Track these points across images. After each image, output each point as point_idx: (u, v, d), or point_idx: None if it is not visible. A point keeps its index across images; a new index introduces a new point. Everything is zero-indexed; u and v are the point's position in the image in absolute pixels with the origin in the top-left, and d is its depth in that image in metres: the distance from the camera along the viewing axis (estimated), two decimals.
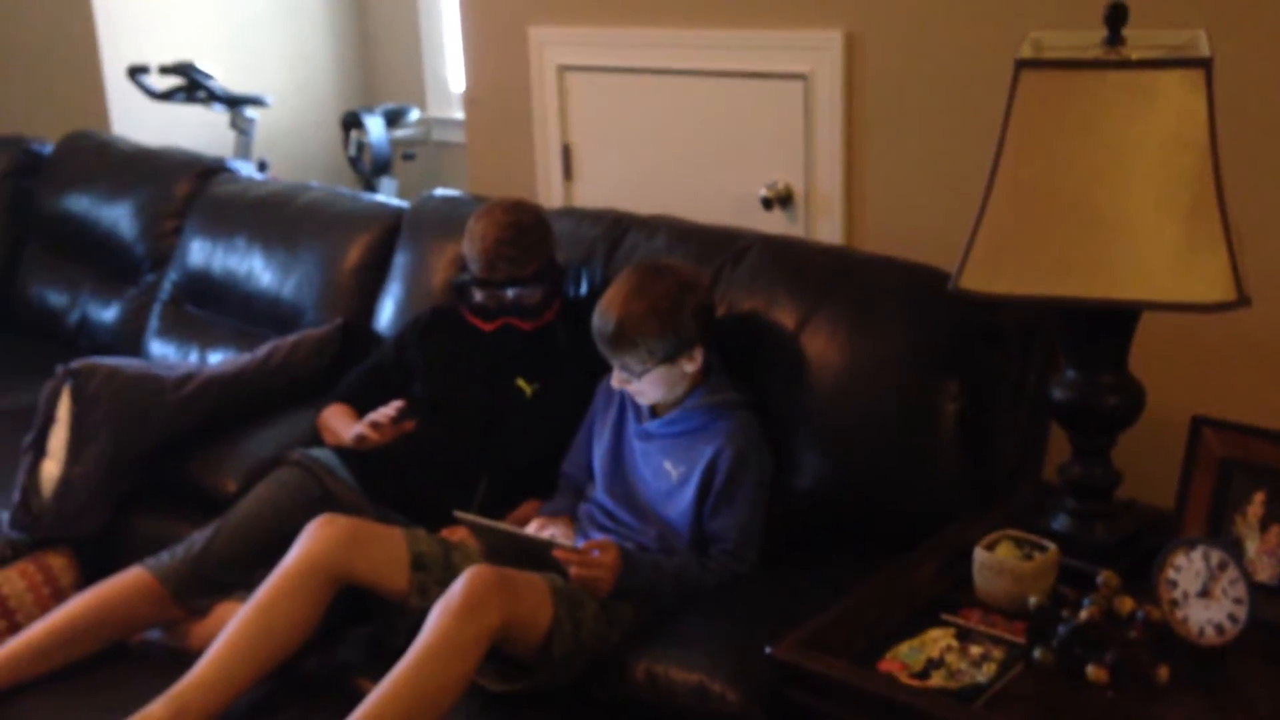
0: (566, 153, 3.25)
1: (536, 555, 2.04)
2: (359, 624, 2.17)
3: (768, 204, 2.87)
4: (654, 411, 2.21)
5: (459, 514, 2.12)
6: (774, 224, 2.82)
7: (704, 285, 2.23)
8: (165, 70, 4.05)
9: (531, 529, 2.23)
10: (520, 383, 2.43)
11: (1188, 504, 1.78)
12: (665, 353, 2.09)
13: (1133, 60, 1.66)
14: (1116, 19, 1.71)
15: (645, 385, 2.14)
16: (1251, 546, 1.71)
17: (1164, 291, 1.65)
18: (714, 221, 2.58)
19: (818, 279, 2.27)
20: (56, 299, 3.59)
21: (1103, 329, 1.77)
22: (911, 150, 2.65)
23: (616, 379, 2.16)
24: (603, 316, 2.12)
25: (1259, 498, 1.72)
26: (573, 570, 1.98)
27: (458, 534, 2.23)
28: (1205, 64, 1.61)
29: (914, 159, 2.65)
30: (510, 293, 2.39)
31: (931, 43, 2.57)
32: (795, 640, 1.70)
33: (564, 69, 3.20)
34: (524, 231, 2.40)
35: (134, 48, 4.19)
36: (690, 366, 2.13)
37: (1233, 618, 1.60)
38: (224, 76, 4.21)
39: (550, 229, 2.47)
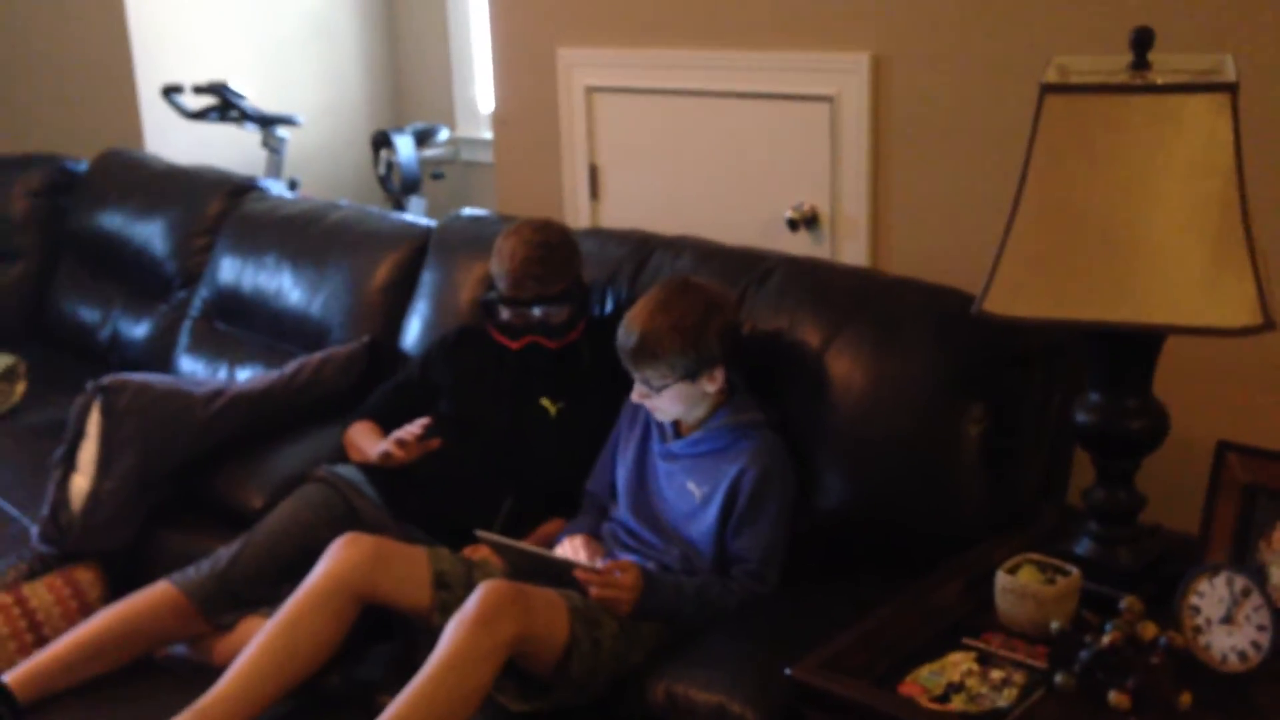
0: (594, 173, 3.27)
1: (558, 575, 2.05)
2: (382, 642, 2.18)
3: (793, 225, 2.87)
4: (678, 431, 2.22)
5: (481, 533, 2.13)
6: (799, 245, 2.83)
7: (731, 306, 2.24)
8: (199, 90, 4.11)
9: (558, 548, 2.23)
10: (545, 402, 2.45)
11: (1211, 529, 1.77)
12: (685, 370, 2.10)
13: (1158, 85, 1.66)
14: (1142, 43, 1.71)
15: (664, 401, 2.15)
16: (1275, 573, 1.69)
17: (1189, 316, 1.64)
18: (740, 243, 2.59)
19: (842, 300, 2.27)
20: (89, 315, 3.63)
21: (1127, 353, 1.76)
22: (938, 173, 2.65)
23: (637, 393, 2.17)
24: (626, 329, 2.13)
25: None
26: (593, 591, 1.98)
27: (480, 552, 2.24)
28: (1231, 88, 1.61)
29: (940, 182, 2.65)
30: (537, 311, 2.40)
31: (958, 66, 2.57)
32: (815, 661, 1.70)
33: (592, 90, 3.22)
34: (552, 250, 2.42)
35: (168, 67, 4.25)
36: (711, 386, 2.13)
37: (1256, 645, 1.58)
38: (256, 96, 4.26)
39: (577, 249, 2.49)
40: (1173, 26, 1.80)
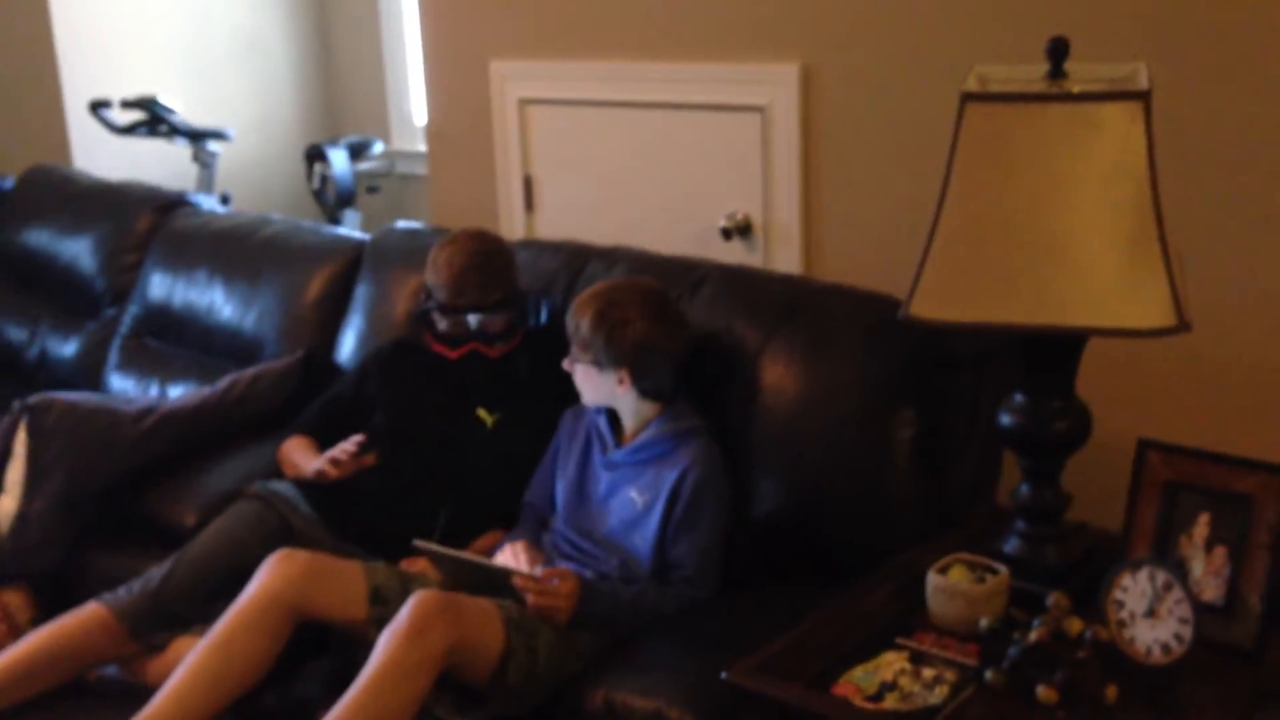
0: (528, 184, 3.28)
1: (496, 584, 2.05)
2: (318, 658, 2.17)
3: (727, 234, 2.90)
4: (619, 441, 2.23)
5: (418, 543, 2.12)
6: (733, 254, 2.85)
7: (674, 334, 2.21)
8: (127, 104, 4.05)
9: (497, 555, 2.23)
10: (481, 413, 2.45)
11: (1134, 526, 1.80)
12: (592, 354, 2.18)
13: (1074, 93, 1.69)
14: (1059, 53, 1.75)
15: (578, 375, 2.23)
16: (1197, 567, 1.73)
17: (1107, 318, 1.68)
18: (674, 252, 2.61)
19: (774, 308, 2.29)
20: (16, 333, 3.57)
21: (1049, 355, 1.80)
22: (867, 181, 2.69)
23: (566, 359, 2.24)
24: (580, 295, 2.25)
25: (1204, 519, 1.75)
26: (530, 599, 1.99)
27: (417, 566, 2.24)
28: (1144, 96, 1.65)
29: (870, 189, 2.69)
30: (475, 319, 2.40)
31: (886, 76, 2.61)
32: (750, 665, 1.71)
33: (525, 102, 3.23)
34: (489, 258, 2.43)
35: (96, 82, 4.19)
36: (619, 388, 2.18)
37: (1179, 637, 1.62)
38: (186, 110, 4.22)
39: (514, 258, 2.51)
40: (1087, 37, 1.84)
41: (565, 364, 2.25)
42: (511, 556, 2.19)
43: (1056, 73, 1.76)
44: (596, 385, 2.20)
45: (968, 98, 1.74)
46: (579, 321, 2.19)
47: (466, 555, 2.14)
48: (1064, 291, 1.69)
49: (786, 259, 2.85)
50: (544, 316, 2.57)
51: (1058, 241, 1.69)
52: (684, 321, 2.26)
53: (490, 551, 2.28)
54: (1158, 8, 2.25)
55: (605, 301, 2.19)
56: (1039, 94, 1.72)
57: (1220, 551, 1.73)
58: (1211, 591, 1.71)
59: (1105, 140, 1.67)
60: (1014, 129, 1.71)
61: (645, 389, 2.19)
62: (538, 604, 1.99)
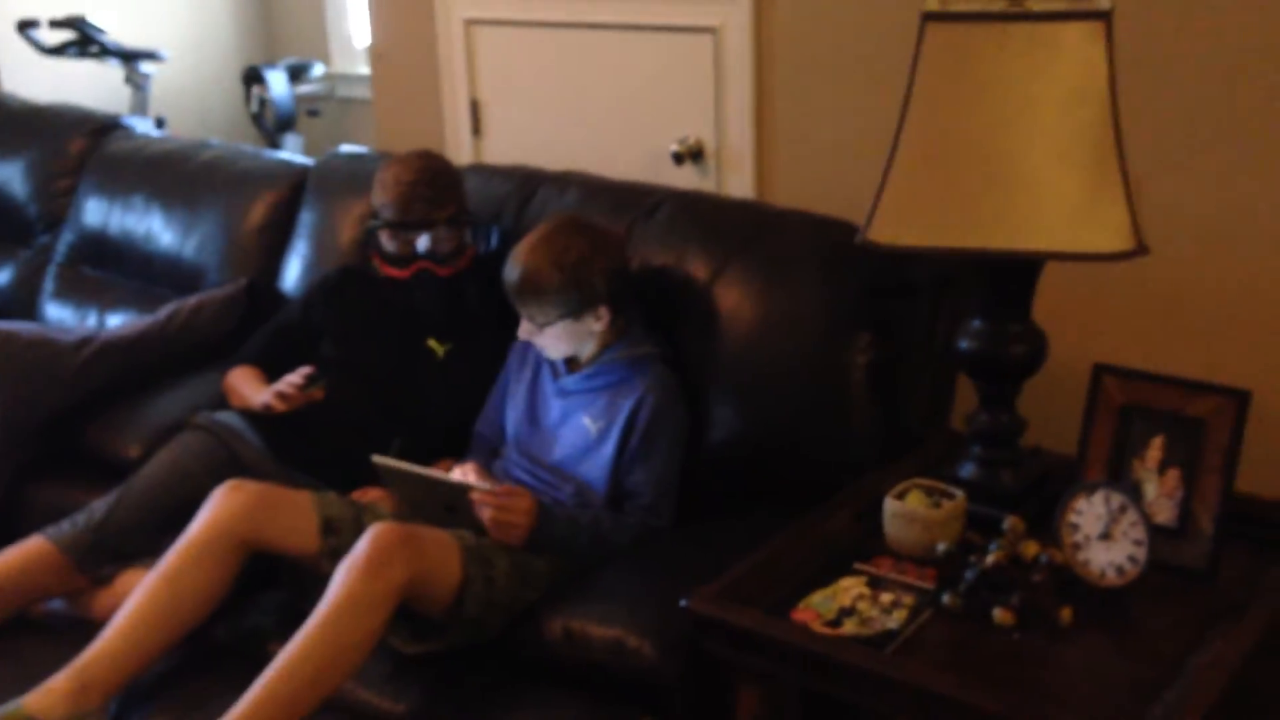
0: (475, 108, 3.21)
1: (453, 500, 2.02)
2: (269, 589, 2.14)
3: (679, 159, 2.86)
4: (570, 367, 2.20)
5: (376, 459, 2.09)
6: (685, 179, 2.81)
7: (619, 244, 2.22)
8: (55, 24, 3.92)
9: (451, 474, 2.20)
10: (432, 343, 2.41)
11: (1089, 449, 1.82)
12: (568, 307, 2.09)
13: (1035, 13, 1.67)
14: None
15: (548, 339, 2.14)
16: (1151, 490, 1.75)
17: (1065, 242, 1.67)
18: (625, 177, 2.57)
19: (730, 233, 2.27)
20: None
21: (1007, 280, 1.80)
22: (821, 104, 2.65)
23: (523, 330, 2.16)
24: (511, 264, 2.13)
25: (1157, 442, 1.76)
26: (487, 513, 1.96)
27: (369, 495, 2.21)
28: (1105, 16, 1.64)
29: (824, 113, 2.66)
30: (424, 240, 2.36)
31: None
32: (710, 593, 1.71)
33: (471, 23, 3.15)
34: (437, 174, 2.40)
35: (23, 1, 4.03)
36: (597, 325, 2.13)
37: (1133, 559, 1.64)
38: (117, 30, 4.07)
39: (461, 176, 2.47)
40: None
41: (522, 334, 2.15)
42: (462, 477, 2.17)
43: None
44: (573, 335, 2.13)
45: (928, 17, 1.72)
46: (537, 283, 2.07)
47: (424, 471, 2.10)
48: (1022, 215, 1.68)
49: (739, 184, 2.82)
50: (494, 242, 2.52)
51: (1017, 165, 1.68)
52: (621, 235, 2.23)
53: None
54: None
55: (553, 250, 2.09)
56: (1000, 13, 1.70)
57: (1173, 474, 1.74)
58: (1164, 514, 1.73)
59: (1066, 61, 1.66)
60: (975, 50, 1.69)
61: (619, 311, 2.15)
62: (495, 519, 1.96)
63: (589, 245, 2.12)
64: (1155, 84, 2.18)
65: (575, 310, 2.10)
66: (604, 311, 2.12)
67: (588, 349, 2.17)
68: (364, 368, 2.41)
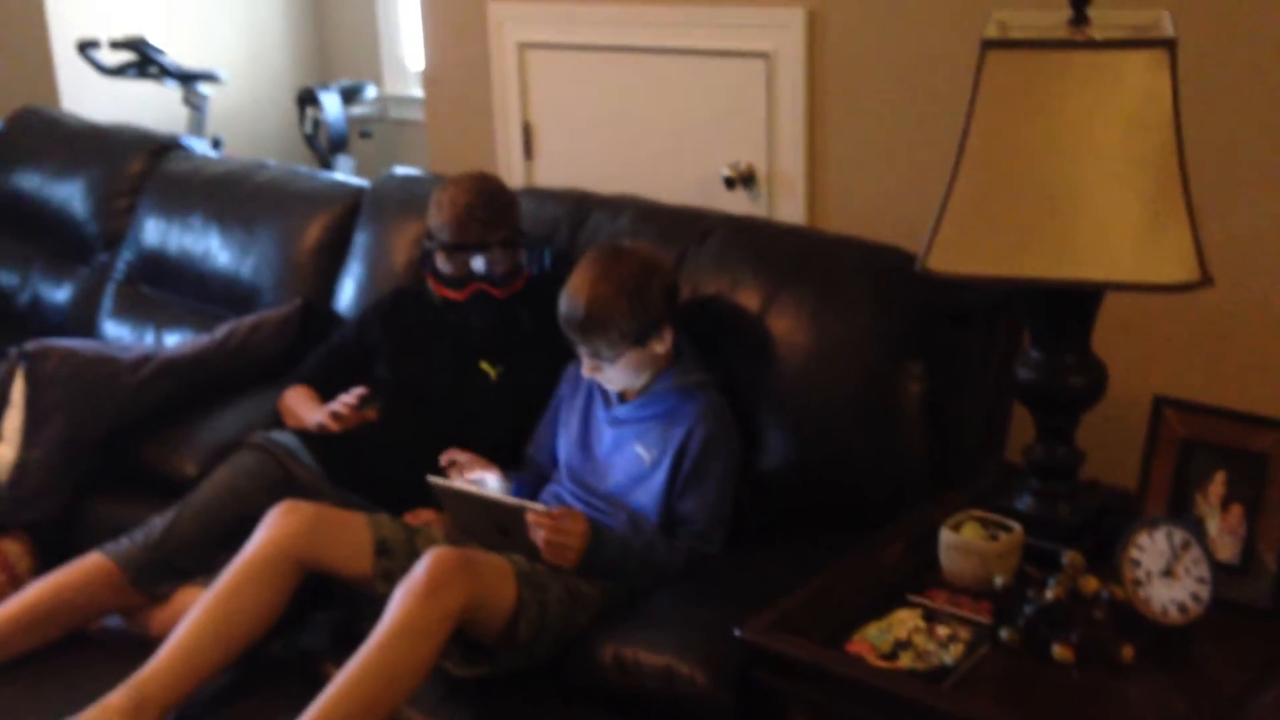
0: (527, 131, 3.23)
1: (506, 523, 2.03)
2: (323, 609, 2.15)
3: (730, 183, 2.86)
4: (622, 396, 2.20)
5: (432, 479, 2.10)
6: (736, 204, 2.82)
7: (667, 265, 2.22)
8: (116, 45, 3.97)
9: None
10: (485, 365, 2.42)
11: (1150, 484, 1.79)
12: (636, 334, 2.08)
13: (1098, 40, 1.66)
14: None
15: (616, 371, 2.12)
16: (1213, 526, 1.72)
17: (1128, 272, 1.65)
18: (676, 201, 2.57)
19: (782, 260, 2.26)
20: (6, 279, 3.52)
21: (1066, 309, 1.78)
22: (874, 130, 2.65)
23: (587, 367, 2.14)
24: (571, 302, 2.10)
25: (1220, 477, 1.74)
26: (541, 535, 1.96)
27: (422, 517, 2.22)
28: (1169, 44, 1.62)
29: (876, 139, 2.65)
30: (479, 261, 2.37)
31: (894, 21, 2.57)
32: (763, 622, 1.70)
33: (524, 46, 3.17)
34: (493, 197, 2.41)
35: (84, 22, 4.11)
36: (660, 348, 2.12)
37: (1195, 597, 1.61)
38: (176, 52, 4.14)
39: (516, 198, 2.48)
40: None
41: (586, 371, 2.14)
42: (484, 480, 2.19)
43: (1079, 19, 1.72)
44: (638, 364, 2.11)
45: (988, 44, 1.70)
46: (605, 317, 2.05)
47: (479, 490, 2.11)
48: (1084, 245, 1.66)
49: (790, 209, 2.81)
50: (547, 262, 2.53)
51: (1078, 193, 1.66)
52: (655, 253, 2.23)
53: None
54: None
55: (614, 282, 2.07)
56: (1061, 41, 1.69)
57: (1236, 510, 1.72)
58: (1227, 550, 1.71)
59: (1128, 89, 1.64)
60: (1035, 77, 1.67)
61: (682, 333, 2.15)
62: (549, 540, 1.96)
63: (641, 269, 2.12)
64: (1219, 112, 2.15)
65: (642, 336, 2.09)
66: (667, 334, 2.12)
67: (645, 377, 2.16)
68: (417, 389, 2.42)
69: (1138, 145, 1.65)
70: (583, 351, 2.12)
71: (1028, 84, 1.68)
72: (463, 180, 2.43)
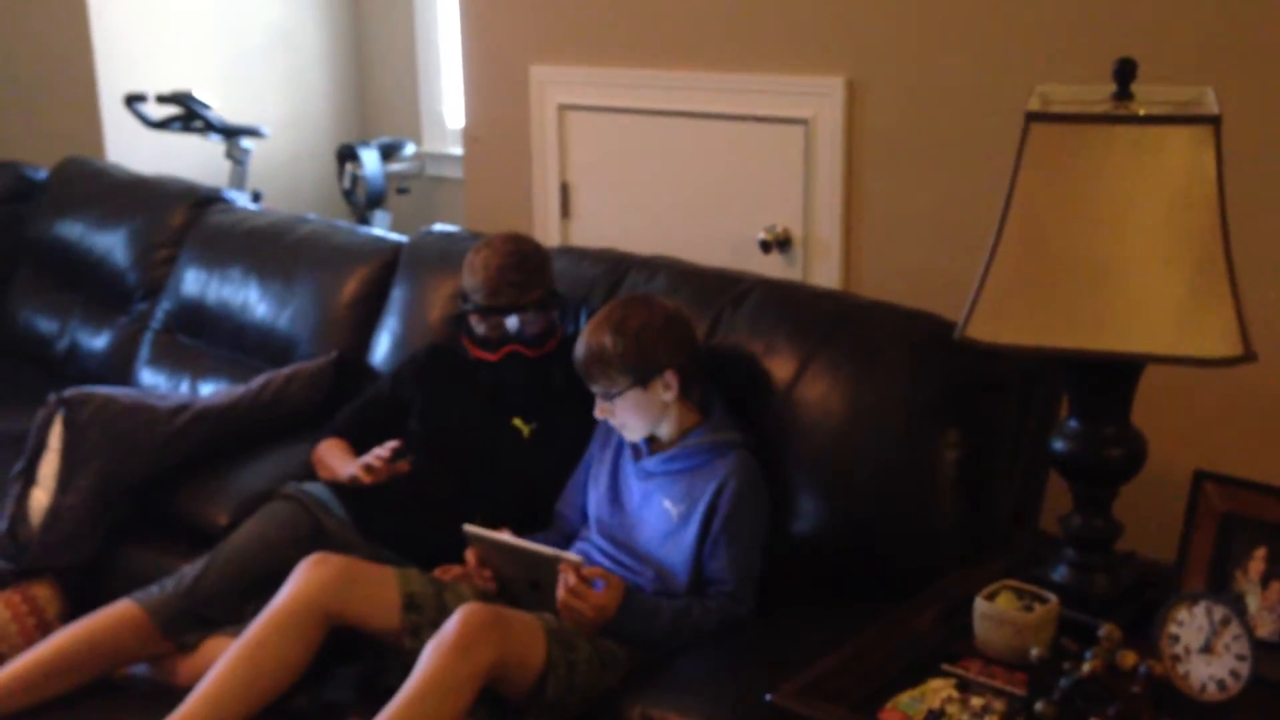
0: (565, 191, 3.26)
1: (539, 576, 2.03)
2: (349, 663, 2.15)
3: (766, 247, 2.88)
4: (652, 448, 2.21)
5: (468, 527, 2.10)
6: (771, 267, 2.83)
7: (681, 319, 2.21)
8: (163, 99, 4.05)
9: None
10: (518, 422, 2.42)
11: (1189, 558, 1.78)
12: (633, 375, 2.10)
13: (1141, 115, 1.67)
14: (1126, 74, 1.73)
15: (623, 413, 2.15)
16: (1253, 603, 1.70)
17: (1169, 345, 1.65)
18: (711, 263, 2.58)
19: (818, 324, 2.27)
20: (46, 325, 3.57)
21: (1107, 381, 1.77)
22: (910, 197, 2.67)
23: (598, 409, 2.17)
24: (578, 344, 2.16)
25: (1260, 553, 1.72)
26: (560, 593, 1.96)
27: (451, 573, 2.21)
28: (1215, 121, 1.63)
29: (912, 206, 2.67)
30: (513, 321, 2.38)
31: (933, 92, 2.59)
32: (794, 687, 1.69)
33: (564, 108, 3.21)
34: (526, 259, 2.41)
35: (131, 76, 4.19)
36: (667, 394, 2.13)
37: (1235, 674, 1.59)
38: (220, 106, 4.21)
39: (549, 259, 2.49)
40: (1148, 58, 1.81)
41: (598, 412, 2.17)
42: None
43: (1123, 94, 1.73)
44: (643, 409, 2.14)
45: (1032, 117, 1.71)
46: (602, 350, 2.11)
47: (515, 541, 2.10)
48: (1125, 317, 1.66)
49: (825, 274, 2.83)
50: (583, 322, 2.54)
51: (1120, 266, 1.67)
52: (683, 310, 2.25)
53: None
54: (1220, 28, 2.23)
55: (615, 320, 2.13)
56: (1106, 115, 1.70)
57: (1276, 587, 1.70)
58: (1267, 627, 1.69)
59: (1172, 165, 1.65)
60: (1078, 151, 1.69)
61: (689, 384, 2.15)
62: (566, 603, 1.96)
63: (648, 314, 2.15)
64: (1265, 188, 2.16)
65: (641, 377, 2.11)
66: (671, 378, 2.12)
67: (665, 427, 2.17)
68: (450, 445, 2.43)
69: (1181, 221, 1.65)
70: (593, 390, 2.15)
71: (1071, 157, 1.69)
72: (496, 242, 2.44)
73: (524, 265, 2.40)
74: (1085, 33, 2.34)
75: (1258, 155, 2.14)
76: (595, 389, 2.15)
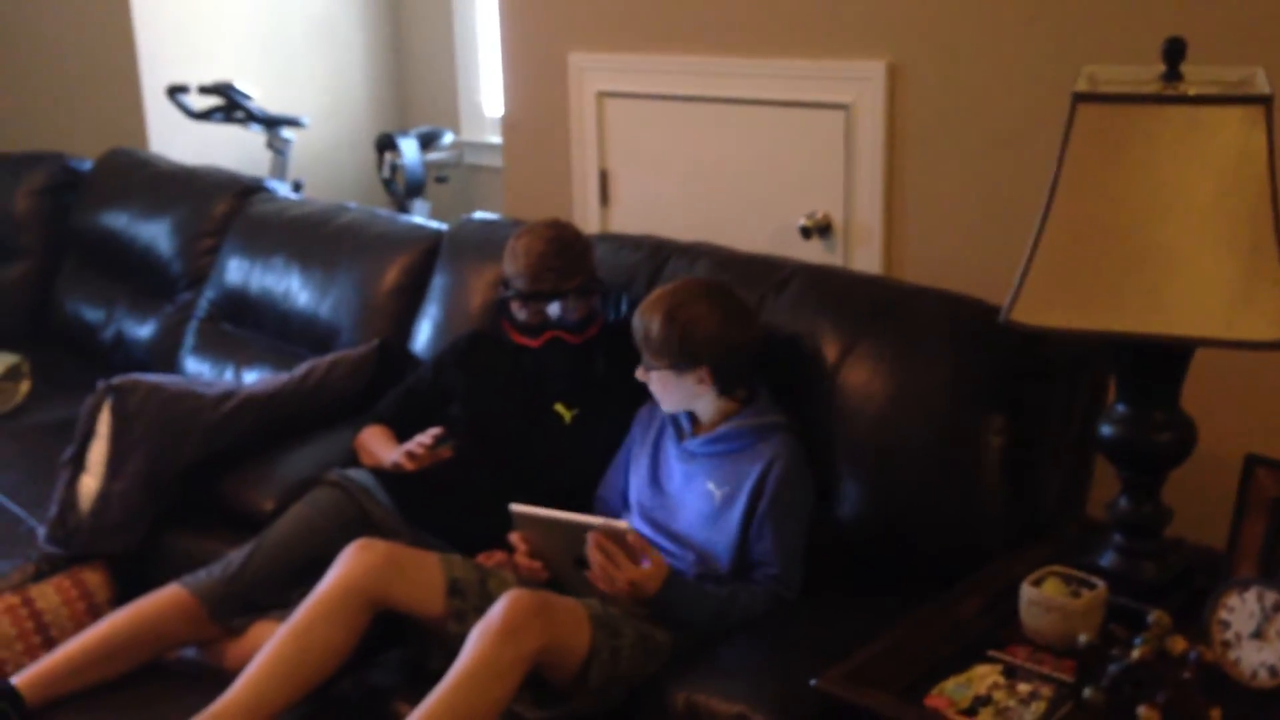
0: (604, 178, 3.26)
1: (586, 552, 2.03)
2: (394, 647, 2.16)
3: (806, 233, 2.87)
4: (695, 430, 2.20)
5: (514, 507, 2.11)
6: (812, 253, 2.82)
7: (742, 319, 2.18)
8: (205, 90, 4.08)
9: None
10: (559, 408, 2.43)
11: (1239, 543, 1.76)
12: (670, 360, 2.13)
13: (1191, 96, 1.65)
14: (1175, 54, 1.70)
15: (655, 385, 2.18)
16: None
17: (1220, 329, 1.63)
18: (751, 249, 2.57)
19: (861, 309, 2.26)
20: (92, 315, 3.61)
21: (1156, 365, 1.76)
22: (951, 182, 2.64)
23: (639, 371, 2.20)
24: (641, 303, 2.20)
25: None
26: (595, 556, 1.96)
27: (495, 559, 2.22)
28: (1266, 101, 1.61)
29: (954, 191, 2.65)
30: (555, 309, 2.39)
31: (974, 75, 2.57)
32: (839, 673, 1.69)
33: (603, 95, 3.21)
34: (568, 245, 2.42)
35: (173, 67, 4.23)
36: (700, 387, 2.14)
37: None
38: (261, 97, 4.24)
39: (591, 246, 2.49)
40: (1197, 37, 1.78)
41: (639, 374, 2.20)
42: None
43: (1172, 74, 1.71)
44: (675, 389, 2.16)
45: (1080, 98, 1.70)
46: (648, 327, 2.15)
47: (564, 515, 2.09)
48: (1175, 301, 1.64)
49: (866, 259, 2.81)
50: (624, 310, 2.54)
51: (1169, 248, 1.65)
52: (752, 312, 2.24)
53: None
54: (1270, 8, 2.19)
55: (672, 303, 2.15)
56: (1155, 95, 1.68)
57: None
58: None
59: (1223, 146, 1.63)
60: (1127, 132, 1.67)
61: (727, 385, 2.16)
62: (602, 566, 1.95)
63: (706, 308, 2.14)
64: None
65: (677, 364, 2.12)
66: (705, 374, 2.12)
67: (703, 409, 2.18)
68: (492, 431, 2.44)
69: (1232, 202, 1.63)
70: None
71: (1119, 138, 1.67)
72: (537, 228, 2.45)
73: (566, 251, 2.41)
74: (1132, 13, 2.31)
75: None
76: (642, 348, 2.19)
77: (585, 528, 2.04)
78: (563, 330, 2.40)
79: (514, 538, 2.17)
